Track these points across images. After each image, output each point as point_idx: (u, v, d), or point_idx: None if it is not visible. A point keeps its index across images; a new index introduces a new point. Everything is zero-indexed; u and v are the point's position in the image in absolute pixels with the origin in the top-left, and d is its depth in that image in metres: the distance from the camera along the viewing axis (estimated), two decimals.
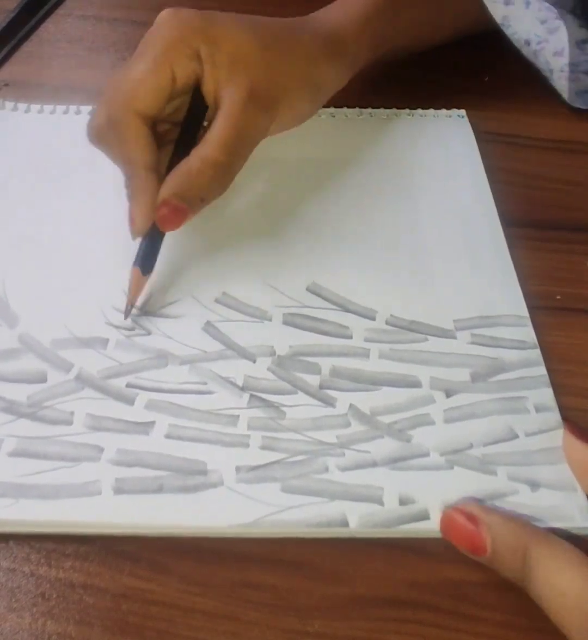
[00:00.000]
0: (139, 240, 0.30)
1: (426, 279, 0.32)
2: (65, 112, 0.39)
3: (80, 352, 0.29)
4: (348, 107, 0.41)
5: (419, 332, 0.30)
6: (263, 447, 0.26)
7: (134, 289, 0.30)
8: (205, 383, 0.28)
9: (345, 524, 0.25)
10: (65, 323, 0.30)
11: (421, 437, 0.27)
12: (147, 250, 0.30)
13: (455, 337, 0.30)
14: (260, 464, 0.26)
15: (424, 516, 0.25)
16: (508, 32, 0.39)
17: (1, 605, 0.23)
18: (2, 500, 0.24)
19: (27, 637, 0.23)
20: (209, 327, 0.30)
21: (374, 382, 0.29)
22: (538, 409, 0.28)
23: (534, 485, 0.26)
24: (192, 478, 0.25)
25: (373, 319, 0.31)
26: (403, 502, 0.25)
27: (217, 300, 0.31)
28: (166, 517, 0.25)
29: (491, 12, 0.38)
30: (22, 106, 0.40)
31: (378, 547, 0.25)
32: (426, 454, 0.27)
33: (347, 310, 0.31)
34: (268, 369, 0.29)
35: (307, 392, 0.28)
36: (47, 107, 0.40)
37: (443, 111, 0.41)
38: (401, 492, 0.25)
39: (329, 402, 0.28)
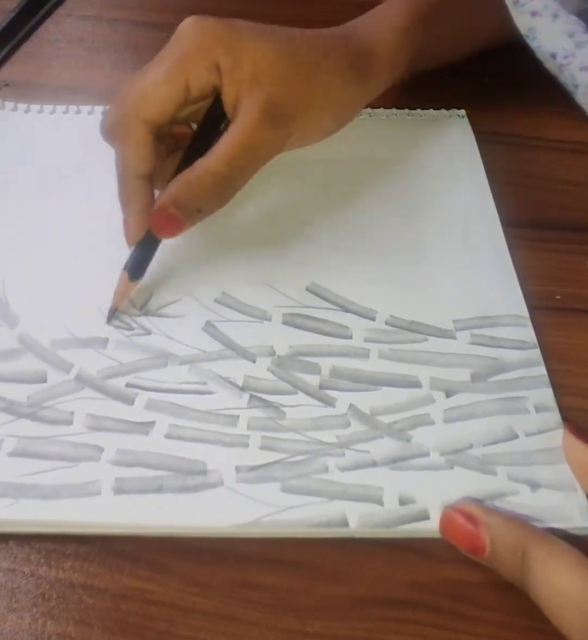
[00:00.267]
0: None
1: (426, 279, 0.32)
2: (66, 112, 0.39)
3: (80, 352, 0.29)
4: None
5: (419, 332, 0.30)
6: (263, 447, 0.26)
7: (120, 293, 0.30)
8: (205, 383, 0.28)
9: (345, 524, 0.25)
10: (65, 323, 0.30)
11: (421, 437, 0.27)
12: (139, 256, 0.30)
13: (454, 337, 0.30)
14: (260, 464, 0.26)
15: (424, 516, 0.25)
16: (533, 44, 0.38)
17: (1, 606, 0.23)
18: (2, 500, 0.24)
19: (27, 637, 0.23)
20: (209, 327, 0.30)
21: (374, 382, 0.29)
22: (538, 409, 0.28)
23: (534, 485, 0.26)
24: (192, 478, 0.25)
25: (373, 319, 0.31)
26: (403, 502, 0.25)
27: (217, 300, 0.31)
28: (166, 517, 0.25)
29: (517, 23, 0.38)
30: (22, 106, 0.40)
31: (378, 547, 0.25)
32: (426, 454, 0.27)
33: (347, 311, 0.31)
34: (268, 369, 0.29)
35: (307, 392, 0.28)
36: (47, 107, 0.40)
37: (443, 111, 0.41)
38: (401, 492, 0.25)
39: (329, 402, 0.28)
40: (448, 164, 0.38)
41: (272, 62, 0.30)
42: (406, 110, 0.41)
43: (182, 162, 0.30)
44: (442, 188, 0.37)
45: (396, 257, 0.33)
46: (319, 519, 0.25)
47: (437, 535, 0.24)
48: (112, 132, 0.31)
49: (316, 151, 0.36)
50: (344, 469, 0.26)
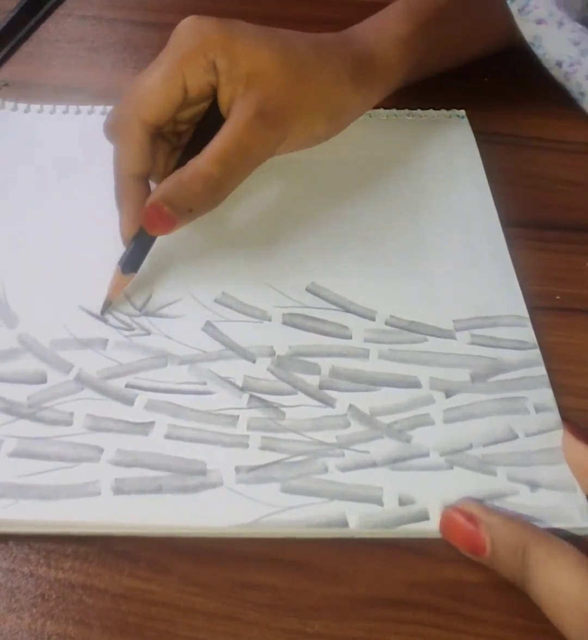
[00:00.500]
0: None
1: (425, 280, 0.32)
2: (65, 112, 0.39)
3: (79, 352, 0.29)
4: None
5: (419, 332, 0.30)
6: (263, 448, 0.26)
7: (113, 286, 0.30)
8: (205, 383, 0.28)
9: (345, 524, 0.25)
10: (64, 323, 0.30)
11: (421, 438, 0.27)
12: (133, 251, 0.30)
13: (454, 338, 0.30)
14: (260, 464, 0.26)
15: (424, 516, 0.25)
16: (539, 52, 0.38)
17: (1, 606, 0.23)
18: (1, 500, 0.24)
19: (26, 637, 0.23)
20: (208, 327, 0.30)
21: (374, 382, 0.29)
22: (538, 409, 0.28)
23: (534, 485, 0.26)
24: (192, 478, 0.25)
25: (373, 319, 0.31)
26: (402, 502, 0.25)
27: (216, 300, 0.31)
28: (166, 517, 0.25)
29: (522, 31, 0.37)
30: (21, 106, 0.40)
31: (378, 547, 0.25)
32: (426, 454, 0.27)
33: (347, 311, 0.31)
34: (268, 369, 0.29)
35: (307, 393, 0.28)
36: (47, 107, 0.40)
37: (443, 111, 0.41)
38: (400, 493, 0.25)
39: (328, 403, 0.28)
40: (448, 164, 0.38)
41: (268, 64, 0.30)
42: (406, 111, 0.41)
43: (180, 161, 0.31)
44: (442, 188, 0.37)
45: (396, 257, 0.33)
46: (319, 519, 0.25)
47: (437, 535, 0.24)
48: (112, 131, 0.31)
49: (316, 151, 0.36)
50: (344, 469, 0.26)
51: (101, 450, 0.26)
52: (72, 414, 0.27)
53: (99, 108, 0.39)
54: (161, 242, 0.31)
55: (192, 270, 0.32)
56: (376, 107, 0.41)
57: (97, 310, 0.30)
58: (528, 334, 0.30)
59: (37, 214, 0.34)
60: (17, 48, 0.44)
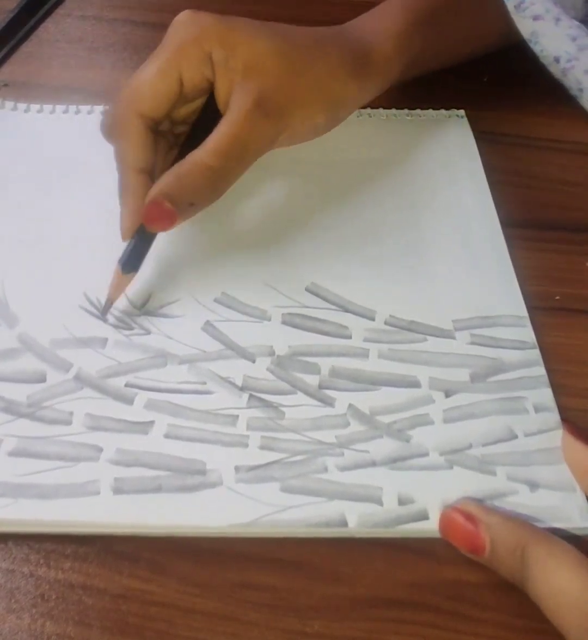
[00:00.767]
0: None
1: (425, 279, 0.32)
2: (65, 112, 0.39)
3: (79, 351, 0.29)
4: None
5: (418, 332, 0.30)
6: (262, 447, 0.26)
7: (113, 286, 0.30)
8: (204, 383, 0.28)
9: (344, 524, 0.25)
10: (64, 323, 0.30)
11: (421, 437, 0.27)
12: (133, 249, 0.30)
13: (454, 338, 0.30)
14: (259, 463, 0.26)
15: (423, 516, 0.25)
16: (536, 48, 0.38)
17: (0, 606, 0.23)
18: (1, 499, 0.24)
19: (26, 637, 0.23)
20: (208, 327, 0.30)
21: (373, 382, 0.29)
22: (537, 409, 0.28)
23: (533, 485, 0.26)
24: (191, 478, 0.25)
25: (373, 319, 0.31)
26: (402, 502, 0.25)
27: (216, 300, 0.31)
28: (165, 517, 0.25)
29: (519, 28, 0.37)
30: (21, 106, 0.40)
31: (378, 547, 0.25)
32: (426, 454, 0.27)
33: (346, 311, 0.31)
34: (267, 369, 0.29)
35: (306, 392, 0.28)
36: (47, 107, 0.40)
37: (442, 111, 0.41)
38: (400, 492, 0.25)
39: (328, 402, 0.28)
40: (447, 164, 0.38)
41: (265, 57, 0.30)
42: (406, 111, 0.41)
43: (178, 157, 0.30)
44: (441, 188, 0.37)
45: (396, 257, 0.33)
46: (318, 518, 0.25)
47: (436, 535, 0.24)
48: (110, 130, 0.31)
49: (315, 151, 0.36)
50: (344, 468, 0.26)
51: (101, 449, 0.26)
52: (71, 413, 0.27)
53: (99, 108, 0.39)
54: (161, 242, 0.31)
55: (192, 270, 0.32)
56: (376, 107, 0.41)
57: (96, 310, 0.30)
58: (527, 334, 0.30)
59: (37, 213, 0.34)
60: (17, 48, 0.44)
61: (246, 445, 0.26)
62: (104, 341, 0.29)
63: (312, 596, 0.24)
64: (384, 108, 0.41)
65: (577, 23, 0.37)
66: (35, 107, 0.40)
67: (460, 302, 0.32)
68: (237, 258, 0.33)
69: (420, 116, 0.41)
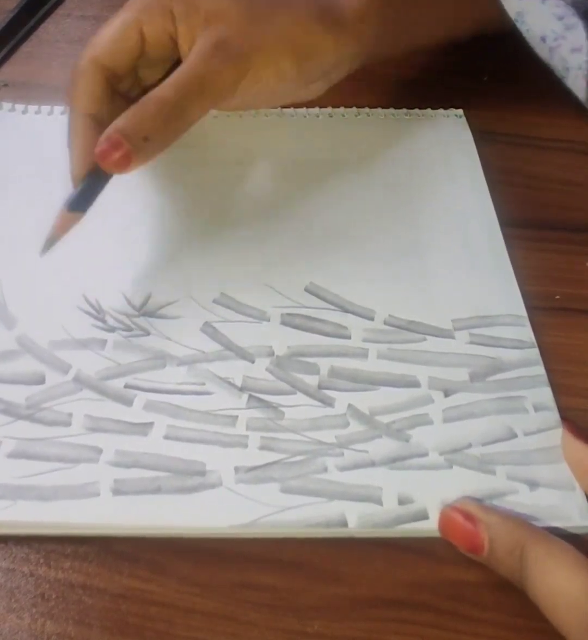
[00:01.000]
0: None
1: (424, 279, 0.32)
2: (63, 113, 0.39)
3: (78, 353, 0.29)
4: (346, 106, 0.40)
5: (417, 332, 0.30)
6: (262, 448, 0.26)
7: (57, 226, 0.29)
8: (203, 384, 0.28)
9: (344, 524, 0.25)
10: (63, 324, 0.30)
11: (420, 437, 0.27)
12: (82, 189, 0.29)
13: (453, 337, 0.30)
14: (259, 464, 0.26)
15: (423, 516, 0.25)
16: (522, 28, 0.37)
17: (0, 606, 0.23)
18: (0, 502, 0.24)
19: (26, 637, 0.23)
20: (207, 328, 0.30)
21: (372, 382, 0.29)
22: (536, 409, 0.28)
23: (533, 484, 0.26)
24: (191, 479, 0.25)
25: (372, 319, 0.31)
26: (401, 501, 0.25)
27: (215, 301, 0.31)
28: (165, 518, 0.25)
29: (506, 7, 0.37)
30: (19, 107, 0.40)
31: (378, 547, 0.25)
32: (425, 454, 0.27)
33: (345, 311, 0.31)
34: (267, 370, 0.29)
35: (306, 393, 0.28)
36: (45, 108, 0.40)
37: (441, 111, 0.41)
38: (400, 492, 0.25)
39: (328, 402, 0.28)
40: (445, 163, 0.38)
41: (227, 7, 0.31)
42: (404, 110, 0.41)
43: None
44: (440, 188, 0.37)
45: (395, 257, 0.33)
46: (318, 519, 0.25)
47: (436, 534, 0.24)
48: (69, 84, 0.31)
49: (313, 151, 0.36)
50: (343, 469, 0.26)
51: (100, 451, 0.26)
52: (70, 414, 0.27)
53: None
54: (161, 242, 0.31)
55: (191, 271, 0.32)
56: (374, 106, 0.41)
57: (95, 311, 0.30)
58: (526, 333, 0.30)
59: (35, 214, 0.34)
60: (17, 48, 0.44)
61: (246, 446, 0.26)
62: (103, 342, 0.29)
63: (312, 596, 0.24)
64: (382, 107, 0.41)
65: (563, 3, 0.36)
66: (33, 108, 0.40)
67: (459, 302, 0.32)
68: (236, 258, 0.33)
69: (419, 115, 0.41)
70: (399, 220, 0.35)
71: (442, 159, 0.38)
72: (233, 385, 0.28)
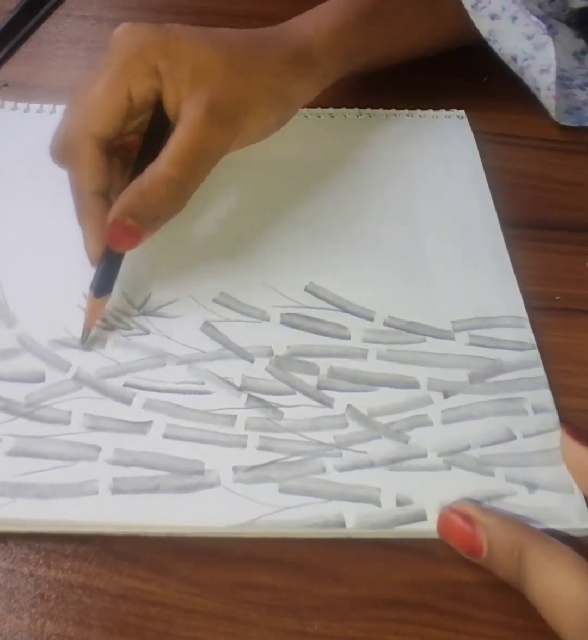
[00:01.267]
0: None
1: (424, 280, 0.32)
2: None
3: (78, 351, 0.29)
4: (347, 107, 0.41)
5: (417, 333, 0.30)
6: (261, 448, 0.26)
7: (90, 313, 0.29)
8: (203, 383, 0.28)
9: (342, 524, 0.25)
10: (63, 323, 0.30)
11: (419, 438, 0.27)
12: (103, 272, 0.29)
13: (453, 338, 0.30)
14: (257, 464, 0.26)
15: (421, 517, 0.25)
16: (495, 47, 0.38)
17: (0, 606, 0.23)
18: None
19: (26, 638, 0.23)
20: (207, 327, 0.30)
21: (372, 382, 0.29)
22: (536, 410, 0.28)
23: (532, 486, 0.26)
24: (190, 478, 0.25)
25: (371, 319, 0.31)
26: (400, 503, 0.25)
27: (215, 300, 0.31)
28: (163, 517, 0.25)
29: (477, 26, 0.37)
30: (21, 106, 0.40)
31: (377, 547, 0.25)
32: (424, 455, 0.27)
33: (345, 311, 0.31)
34: (266, 369, 0.29)
35: (305, 393, 0.28)
36: (47, 107, 0.40)
37: (442, 111, 0.41)
38: (398, 493, 0.25)
39: (327, 403, 0.28)
40: (447, 164, 0.38)
41: (211, 62, 0.30)
42: (406, 111, 0.41)
43: (134, 172, 0.30)
44: (441, 188, 0.37)
45: (395, 257, 0.33)
46: (316, 519, 0.25)
47: (434, 536, 0.24)
48: (61, 153, 0.30)
49: (315, 151, 0.36)
50: (342, 469, 0.26)
51: (99, 449, 0.26)
52: (70, 412, 0.27)
53: None
54: (161, 241, 0.31)
55: (191, 270, 0.32)
56: (376, 107, 0.41)
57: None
58: (526, 334, 0.30)
59: (36, 213, 0.34)
60: (17, 48, 0.44)
61: (245, 446, 0.26)
62: (103, 341, 0.29)
63: (312, 596, 0.24)
64: (384, 108, 0.41)
65: (535, 20, 0.36)
66: (35, 107, 0.40)
67: (459, 303, 0.32)
68: (236, 258, 0.33)
69: (420, 116, 0.41)
70: (400, 221, 0.35)
71: (443, 160, 0.38)
72: (232, 384, 0.28)
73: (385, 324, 0.31)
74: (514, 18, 0.36)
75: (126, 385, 0.28)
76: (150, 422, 0.27)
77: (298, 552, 0.24)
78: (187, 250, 0.33)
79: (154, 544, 0.24)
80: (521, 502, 0.25)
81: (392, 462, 0.26)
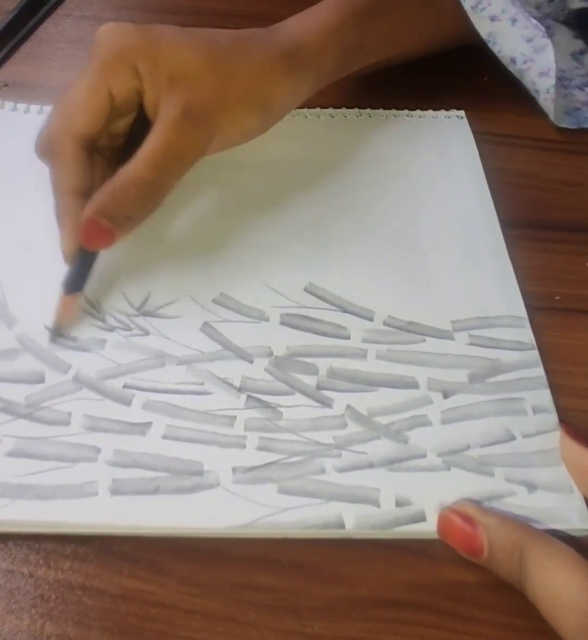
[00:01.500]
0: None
1: (424, 280, 0.32)
2: None
3: (78, 353, 0.29)
4: (347, 107, 0.40)
5: (417, 333, 0.30)
6: (260, 448, 0.26)
7: (61, 310, 0.29)
8: (202, 384, 0.28)
9: (341, 525, 0.25)
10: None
11: (419, 438, 0.27)
12: (76, 270, 0.30)
13: (452, 338, 0.30)
14: (257, 465, 0.26)
15: (420, 518, 0.25)
16: (494, 48, 0.38)
17: (0, 607, 0.23)
18: None
19: (26, 638, 0.23)
20: (206, 328, 0.30)
21: (371, 382, 0.29)
22: (535, 411, 0.28)
23: (531, 486, 0.26)
24: (189, 479, 0.25)
25: (371, 319, 0.31)
26: (399, 503, 0.25)
27: (215, 301, 0.31)
28: (163, 518, 0.25)
29: (477, 27, 0.37)
30: (21, 106, 0.40)
31: (377, 548, 0.25)
32: (423, 455, 0.26)
33: (345, 311, 0.31)
34: (265, 370, 0.29)
35: (304, 393, 0.28)
36: (47, 107, 0.39)
37: (442, 112, 0.41)
38: (397, 494, 0.25)
39: (326, 403, 0.28)
40: (446, 164, 0.38)
41: (190, 64, 0.30)
42: (406, 111, 0.41)
43: (113, 172, 0.30)
44: (441, 188, 0.37)
45: (395, 257, 0.33)
46: (315, 520, 0.25)
47: (434, 536, 0.24)
48: (44, 150, 0.31)
49: (315, 151, 0.36)
50: (341, 470, 0.26)
51: (99, 450, 0.26)
52: (70, 414, 0.27)
53: None
54: (161, 242, 0.31)
55: (191, 271, 0.32)
56: (376, 107, 0.41)
57: (95, 310, 0.30)
58: (526, 334, 0.30)
59: (36, 213, 0.34)
60: (17, 48, 0.44)
61: (244, 446, 0.26)
62: (102, 342, 0.29)
63: (312, 597, 0.24)
64: (384, 108, 0.41)
65: (534, 22, 0.36)
66: (35, 107, 0.40)
67: (458, 303, 0.31)
68: (235, 259, 0.33)
69: (420, 116, 0.41)
70: (399, 221, 0.35)
71: (443, 160, 0.38)
72: (231, 385, 0.28)
73: (384, 324, 0.31)
74: (514, 20, 0.36)
75: (125, 386, 0.28)
76: (149, 423, 0.27)
77: (297, 553, 0.25)
78: (187, 251, 0.33)
79: (154, 545, 0.24)
80: (520, 503, 0.25)
81: (391, 463, 0.26)
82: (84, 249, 0.29)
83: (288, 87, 0.33)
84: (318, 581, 0.24)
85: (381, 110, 0.41)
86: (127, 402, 0.27)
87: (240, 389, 0.28)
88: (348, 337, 0.30)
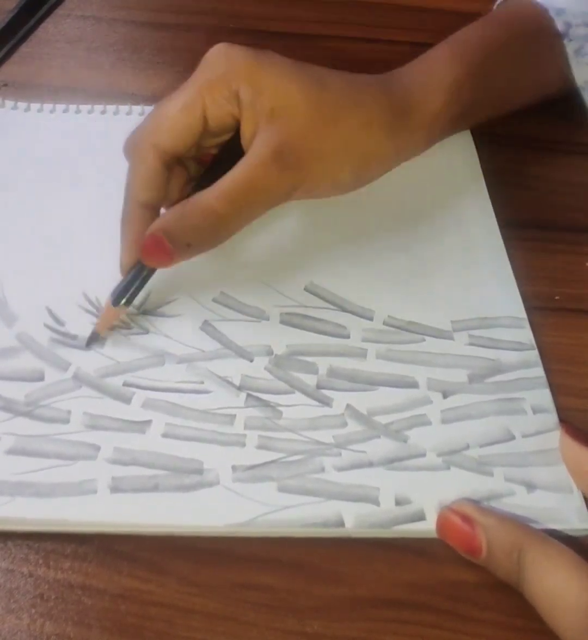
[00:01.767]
0: None
1: (424, 280, 0.32)
2: (65, 111, 0.39)
3: (77, 351, 0.29)
4: None
5: (416, 332, 0.30)
6: (260, 447, 0.26)
7: (102, 319, 0.29)
8: (202, 382, 0.28)
9: (341, 524, 0.25)
10: (63, 322, 0.30)
11: (418, 438, 0.27)
12: (127, 283, 0.29)
13: (452, 338, 0.30)
14: (256, 463, 0.26)
15: (420, 517, 0.25)
16: (586, 96, 0.36)
17: (0, 606, 0.23)
18: None
19: (25, 638, 0.23)
20: (206, 326, 0.30)
21: (371, 382, 0.29)
22: (535, 411, 0.28)
23: (530, 486, 0.26)
24: (189, 477, 0.25)
25: (371, 319, 0.31)
26: (399, 502, 0.25)
27: (215, 300, 0.31)
28: (162, 516, 0.25)
29: (574, 73, 0.36)
30: (21, 105, 0.40)
31: (377, 547, 0.25)
32: (423, 455, 0.26)
33: (345, 310, 0.31)
34: (265, 369, 0.29)
35: (304, 392, 0.28)
36: (47, 106, 0.40)
37: None
38: (397, 493, 0.25)
39: (326, 402, 0.28)
40: (445, 164, 0.38)
41: (294, 100, 0.28)
42: None
43: (194, 188, 0.29)
44: (440, 189, 0.37)
45: (395, 257, 0.33)
46: (315, 519, 0.25)
47: (433, 535, 0.24)
48: (128, 151, 0.30)
49: None
50: (341, 469, 0.26)
51: (98, 448, 0.26)
52: (69, 411, 0.27)
53: (98, 108, 0.39)
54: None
55: (191, 270, 0.32)
56: None
57: (95, 309, 0.30)
58: (526, 334, 0.30)
59: (36, 212, 0.34)
60: (17, 48, 0.44)
61: (244, 445, 0.26)
62: (102, 340, 0.29)
63: (312, 596, 0.24)
64: None
65: None
66: (35, 106, 0.40)
67: (458, 303, 0.32)
68: (236, 257, 0.33)
69: None
70: (399, 221, 0.35)
71: (442, 160, 0.38)
72: (231, 383, 0.28)
73: (384, 323, 0.31)
74: None
75: (125, 384, 0.28)
76: (149, 421, 0.27)
77: (297, 552, 0.24)
78: None
79: (154, 544, 0.24)
80: (520, 502, 0.25)
81: (391, 462, 0.26)
82: (141, 264, 0.29)
83: (392, 147, 0.31)
84: (318, 581, 0.24)
85: None
86: (127, 400, 0.27)
87: (240, 388, 0.28)
88: (348, 337, 0.30)
